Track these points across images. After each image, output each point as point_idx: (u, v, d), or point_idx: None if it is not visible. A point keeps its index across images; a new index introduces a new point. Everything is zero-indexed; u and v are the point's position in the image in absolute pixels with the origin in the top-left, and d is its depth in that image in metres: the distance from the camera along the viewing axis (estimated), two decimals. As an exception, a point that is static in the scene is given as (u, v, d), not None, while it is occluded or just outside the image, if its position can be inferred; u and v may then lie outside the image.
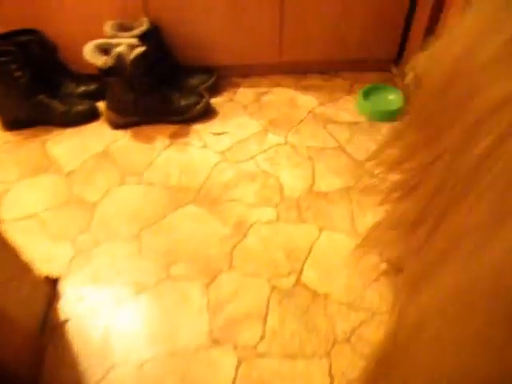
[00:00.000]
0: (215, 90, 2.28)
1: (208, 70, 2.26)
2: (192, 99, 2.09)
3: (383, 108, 2.12)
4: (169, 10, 2.09)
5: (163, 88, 2.05)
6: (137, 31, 1.95)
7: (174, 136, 2.06)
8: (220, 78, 2.32)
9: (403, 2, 2.16)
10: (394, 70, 2.37)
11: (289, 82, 2.35)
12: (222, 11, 2.09)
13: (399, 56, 2.34)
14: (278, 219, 1.71)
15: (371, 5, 2.14)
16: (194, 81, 2.22)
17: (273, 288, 1.49)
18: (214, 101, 2.23)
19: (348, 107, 2.21)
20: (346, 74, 2.41)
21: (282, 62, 2.31)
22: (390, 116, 2.07)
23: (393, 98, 2.20)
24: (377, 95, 2.21)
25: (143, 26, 1.99)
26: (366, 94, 2.19)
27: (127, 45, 1.85)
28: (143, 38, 1.94)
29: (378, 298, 1.47)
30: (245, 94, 2.27)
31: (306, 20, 2.16)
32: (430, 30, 2.04)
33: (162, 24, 2.10)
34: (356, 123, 2.12)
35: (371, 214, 1.72)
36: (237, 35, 2.18)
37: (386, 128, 2.06)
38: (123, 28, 1.99)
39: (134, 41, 1.88)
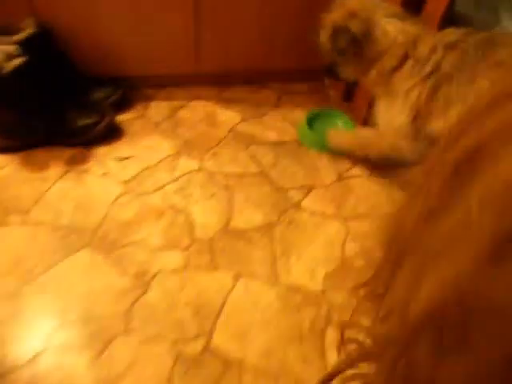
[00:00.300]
0: (124, 105, 1.98)
1: (115, 82, 1.96)
2: (92, 118, 1.78)
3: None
4: (63, 9, 1.76)
5: (56, 105, 1.73)
6: (18, 36, 1.62)
7: (70, 162, 1.75)
8: (130, 90, 2.02)
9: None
10: (326, 80, 2.14)
11: (209, 94, 2.08)
12: (126, 13, 1.79)
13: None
14: (186, 266, 1.45)
15: (300, 9, 1.89)
16: (98, 95, 1.91)
17: (177, 356, 1.24)
18: (122, 117, 1.93)
19: (274, 124, 1.97)
20: (274, 84, 2.16)
21: (201, 72, 2.03)
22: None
23: (341, 125, 1.95)
24: (322, 122, 1.95)
25: (27, 30, 1.65)
26: (310, 122, 1.93)
27: (3, 54, 1.52)
28: (27, 44, 1.61)
29: (302, 362, 1.25)
30: (158, 108, 1.99)
31: (226, 24, 1.89)
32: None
33: (55, 27, 1.77)
34: (282, 143, 1.89)
35: (295, 256, 1.49)
36: (146, 41, 1.89)
37: (314, 151, 1.83)
38: (1, 31, 1.65)
39: (12, 49, 1.55)
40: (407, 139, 1.51)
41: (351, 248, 1.56)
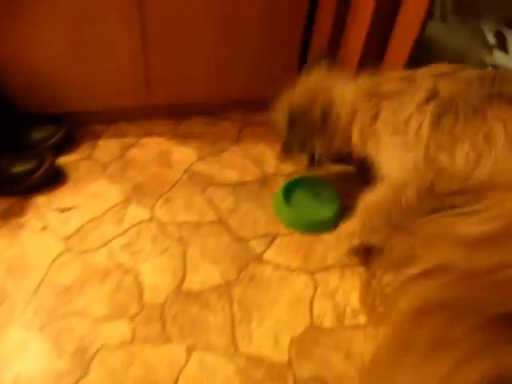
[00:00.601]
0: (68, 145, 1.79)
1: (57, 119, 1.76)
2: (31, 163, 1.59)
3: (314, 216, 1.65)
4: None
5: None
6: None
7: (4, 215, 1.55)
8: (75, 128, 1.83)
9: (297, 31, 1.77)
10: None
11: (163, 129, 1.90)
12: (68, 39, 1.60)
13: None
14: (133, 339, 1.27)
15: (261, 34, 1.73)
16: (37, 135, 1.72)
17: None
18: (66, 159, 1.74)
19: (234, 162, 1.80)
20: (235, 114, 2.00)
21: (153, 104, 1.85)
22: (326, 225, 1.64)
23: (326, 196, 1.72)
24: (302, 194, 1.72)
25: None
26: (288, 193, 1.69)
27: None
28: None
29: None
30: (107, 147, 1.80)
31: (178, 51, 1.73)
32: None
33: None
34: (242, 184, 1.72)
35: (257, 320, 1.32)
36: (91, 72, 1.71)
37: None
38: None
39: None
40: (430, 173, 1.29)
41: (320, 306, 1.40)
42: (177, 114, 1.97)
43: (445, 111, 1.22)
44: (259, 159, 1.83)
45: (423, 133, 1.24)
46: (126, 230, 1.53)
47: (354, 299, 1.44)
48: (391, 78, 1.33)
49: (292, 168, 1.82)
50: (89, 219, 1.56)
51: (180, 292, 1.39)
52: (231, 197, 1.67)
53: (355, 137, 1.39)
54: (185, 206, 1.62)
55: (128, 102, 1.85)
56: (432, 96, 1.24)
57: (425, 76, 1.28)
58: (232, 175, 1.75)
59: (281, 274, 1.47)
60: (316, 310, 1.40)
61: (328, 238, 1.60)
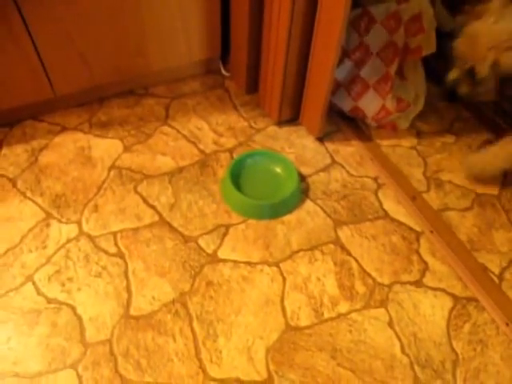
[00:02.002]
0: (-36, 162, 1.47)
1: None
2: None
3: (273, 198, 1.40)
4: None
5: None
6: None
7: None
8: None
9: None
10: (224, 70, 1.70)
11: (77, 121, 1.61)
12: None
13: (224, 51, 1.68)
14: (81, 391, 1.04)
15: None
16: None
17: None
18: (-36, 181, 1.43)
19: (166, 146, 1.54)
20: (159, 88, 1.70)
21: (61, 95, 1.54)
22: (288, 206, 1.41)
23: (280, 172, 1.48)
24: (253, 174, 1.46)
25: None
26: (236, 176, 1.43)
27: None
28: None
29: None
30: (12, 156, 1.50)
31: (72, 33, 1.40)
32: (254, 10, 1.39)
33: None
34: (179, 171, 1.46)
35: (223, 335, 1.11)
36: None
37: (222, 174, 1.41)
38: None
39: None
40: None
41: (293, 301, 1.20)
42: (90, 100, 1.67)
43: None
44: (194, 136, 1.57)
45: None
46: (52, 256, 1.27)
47: (330, 284, 1.25)
48: None
49: (234, 141, 1.56)
50: (4, 251, 1.28)
51: (127, 320, 1.16)
52: (169, 189, 1.42)
53: None
54: (117, 211, 1.36)
55: (30, 97, 1.53)
56: None
57: None
58: (166, 162, 1.49)
59: (241, 272, 1.26)
60: (289, 308, 1.20)
61: (288, 218, 1.38)
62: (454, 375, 1.13)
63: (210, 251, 1.29)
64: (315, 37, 1.34)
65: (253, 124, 1.63)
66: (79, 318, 1.17)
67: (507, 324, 1.22)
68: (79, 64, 1.51)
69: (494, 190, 1.52)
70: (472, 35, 1.24)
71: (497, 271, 1.32)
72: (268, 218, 1.35)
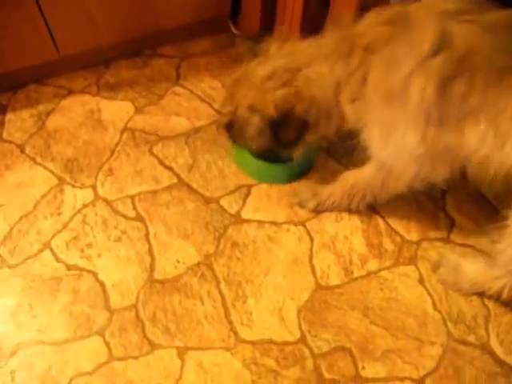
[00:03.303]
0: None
1: None
2: None
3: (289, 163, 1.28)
4: None
5: None
6: None
7: None
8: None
9: None
10: (233, 28, 1.63)
11: (85, 83, 1.54)
12: None
13: (235, 9, 1.60)
14: (110, 357, 1.04)
15: None
16: None
17: None
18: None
19: (179, 106, 1.49)
20: (168, 48, 1.63)
21: (66, 56, 1.46)
22: (304, 167, 1.34)
23: None
24: None
25: None
26: None
27: None
28: None
29: None
30: (18, 122, 1.44)
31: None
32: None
33: None
34: (196, 131, 1.42)
35: (253, 296, 1.08)
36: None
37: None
38: None
39: None
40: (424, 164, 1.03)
41: (322, 260, 1.17)
42: (96, 62, 1.59)
43: (458, 72, 0.88)
44: (209, 96, 1.51)
45: (425, 102, 0.90)
46: (68, 222, 1.23)
47: (358, 243, 1.21)
48: (371, 23, 0.99)
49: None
50: (17, 218, 1.23)
51: (152, 284, 1.13)
52: (186, 150, 1.37)
53: (348, 111, 1.05)
54: (133, 174, 1.32)
55: (33, 58, 1.46)
56: (441, 46, 0.88)
57: (425, 15, 0.92)
58: (181, 123, 1.44)
59: (267, 232, 1.22)
60: (318, 267, 1.17)
61: (312, 175, 1.33)
62: (486, 330, 1.11)
63: (233, 212, 1.25)
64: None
65: (267, 83, 1.56)
66: (102, 284, 1.13)
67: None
68: (84, 22, 1.43)
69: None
70: (236, 78, 1.14)
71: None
72: (285, 181, 1.31)
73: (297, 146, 1.14)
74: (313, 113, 1.06)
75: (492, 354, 1.08)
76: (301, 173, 1.34)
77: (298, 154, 1.16)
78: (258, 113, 1.09)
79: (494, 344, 1.09)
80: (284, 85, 1.05)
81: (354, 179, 1.15)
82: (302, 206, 1.24)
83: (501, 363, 1.07)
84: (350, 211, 1.22)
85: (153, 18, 1.51)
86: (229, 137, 1.25)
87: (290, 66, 1.05)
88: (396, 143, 0.98)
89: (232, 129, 1.20)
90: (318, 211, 1.23)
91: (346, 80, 1.01)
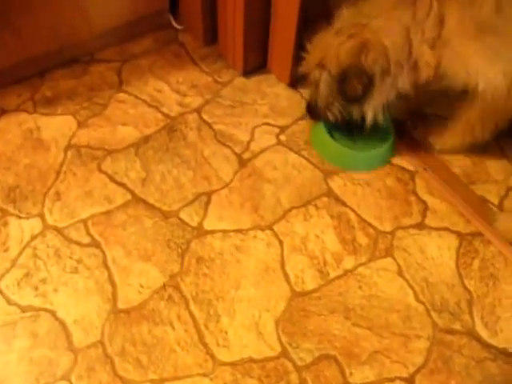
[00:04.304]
0: None
1: None
2: None
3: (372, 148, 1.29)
4: None
5: None
6: None
7: None
8: None
9: None
10: (174, 21, 1.52)
11: (20, 99, 1.43)
12: None
13: (174, 1, 1.49)
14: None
15: None
16: None
17: None
18: None
19: (125, 114, 1.37)
20: (107, 52, 1.52)
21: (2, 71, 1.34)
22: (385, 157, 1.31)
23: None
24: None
25: None
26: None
27: None
28: None
29: None
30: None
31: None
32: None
33: None
34: (145, 140, 1.31)
35: (226, 314, 1.01)
36: None
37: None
38: None
39: None
40: None
41: (295, 265, 1.11)
42: (29, 75, 1.46)
43: None
44: (156, 100, 1.41)
45: None
46: (17, 258, 1.13)
47: (331, 240, 1.15)
48: None
49: (200, 99, 1.41)
50: (-40, 260, 1.11)
51: (117, 315, 1.05)
52: (137, 162, 1.28)
53: (429, 58, 1.05)
54: (83, 196, 1.21)
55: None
56: None
57: None
58: (129, 133, 1.34)
59: (233, 241, 1.14)
60: (292, 273, 1.10)
61: (273, 175, 1.26)
62: (471, 314, 1.08)
63: (194, 224, 1.17)
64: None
65: (217, 78, 1.47)
66: (62, 323, 1.04)
67: (515, 254, 1.16)
68: (6, 33, 1.29)
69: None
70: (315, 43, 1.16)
71: (496, 201, 1.26)
72: (366, 168, 1.29)
73: (365, 101, 1.13)
74: (381, 64, 1.06)
75: (478, 339, 1.05)
76: (381, 160, 1.30)
77: (369, 119, 1.16)
78: (325, 69, 1.11)
79: (480, 328, 1.06)
80: (350, 37, 1.07)
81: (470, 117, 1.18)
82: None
83: (488, 347, 1.04)
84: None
85: (83, 20, 1.40)
86: (310, 116, 1.28)
87: (357, 20, 1.08)
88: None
89: (311, 107, 1.23)
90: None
91: (419, 27, 1.02)
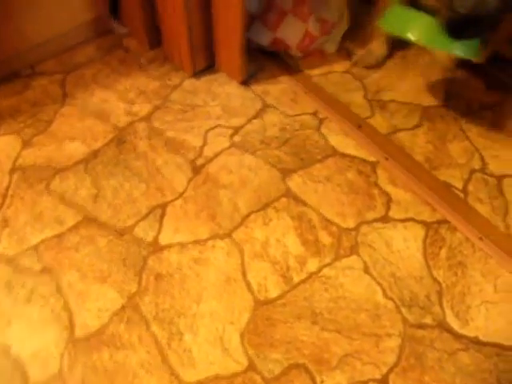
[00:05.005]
0: None
1: None
2: None
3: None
4: None
5: None
6: None
7: None
8: None
9: None
10: (117, 25, 1.45)
11: (-41, 123, 1.33)
12: None
13: (114, 3, 1.43)
14: None
15: None
16: None
17: None
18: None
19: (72, 130, 1.31)
20: (48, 63, 1.45)
21: None
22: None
23: None
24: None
25: None
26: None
27: None
28: None
29: None
30: None
31: None
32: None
33: None
34: (95, 154, 1.25)
35: (188, 330, 0.97)
36: None
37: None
38: None
39: None
40: None
41: (256, 273, 1.06)
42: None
43: None
44: (102, 111, 1.34)
45: None
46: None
47: (293, 243, 1.11)
48: None
49: (149, 106, 1.35)
50: None
51: (76, 343, 0.99)
52: (87, 179, 1.22)
53: None
54: (32, 220, 1.15)
55: None
56: None
57: None
58: (77, 148, 1.27)
59: (191, 254, 1.10)
60: (254, 281, 1.06)
61: (229, 179, 1.21)
62: (441, 306, 1.05)
63: (150, 239, 1.12)
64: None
65: (167, 81, 1.42)
66: (17, 359, 0.99)
67: (481, 238, 1.14)
68: None
69: (439, 101, 1.41)
70: None
71: (460, 186, 1.23)
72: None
73: None
74: None
75: (450, 330, 1.02)
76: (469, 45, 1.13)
77: None
78: None
79: (451, 319, 1.03)
80: None
81: None
82: None
83: (459, 338, 1.01)
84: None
85: (16, 31, 1.32)
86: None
87: None
88: None
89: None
90: None
91: None
